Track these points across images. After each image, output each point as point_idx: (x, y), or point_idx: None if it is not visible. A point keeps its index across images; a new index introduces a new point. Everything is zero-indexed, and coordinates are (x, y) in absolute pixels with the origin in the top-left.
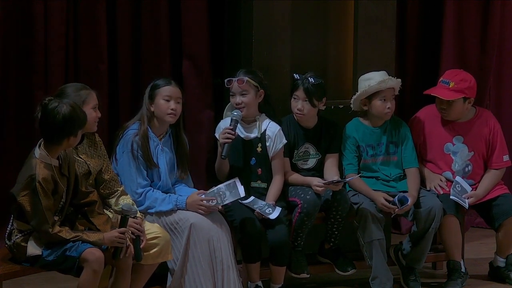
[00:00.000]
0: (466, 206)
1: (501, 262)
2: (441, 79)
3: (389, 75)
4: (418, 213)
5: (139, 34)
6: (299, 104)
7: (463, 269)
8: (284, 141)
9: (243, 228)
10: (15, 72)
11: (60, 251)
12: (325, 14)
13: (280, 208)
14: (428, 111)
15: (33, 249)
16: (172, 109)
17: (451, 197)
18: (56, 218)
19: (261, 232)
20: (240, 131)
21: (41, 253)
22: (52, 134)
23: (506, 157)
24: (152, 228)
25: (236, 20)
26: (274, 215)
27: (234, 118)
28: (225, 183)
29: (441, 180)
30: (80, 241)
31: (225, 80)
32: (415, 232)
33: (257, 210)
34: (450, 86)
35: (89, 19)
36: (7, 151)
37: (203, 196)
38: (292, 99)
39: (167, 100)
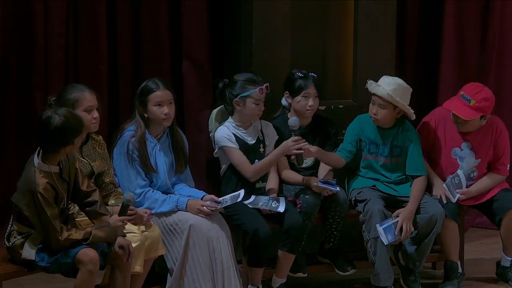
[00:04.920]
0: (453, 200)
1: (506, 261)
2: (461, 92)
3: (394, 83)
4: (420, 218)
5: (139, 34)
6: (311, 101)
7: (459, 270)
8: (276, 136)
9: (254, 233)
10: (15, 72)
11: (52, 258)
12: (325, 14)
13: (284, 198)
14: (439, 114)
15: (27, 252)
16: (165, 114)
17: (443, 185)
18: None
19: (271, 237)
20: (243, 138)
21: (34, 258)
22: (46, 144)
23: (508, 166)
24: (130, 238)
25: (236, 20)
26: (281, 207)
27: (295, 128)
28: (230, 195)
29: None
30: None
31: (258, 89)
32: (416, 236)
33: (263, 207)
34: (471, 104)
35: (89, 19)
36: (7, 151)
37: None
38: (302, 98)
39: (159, 105)
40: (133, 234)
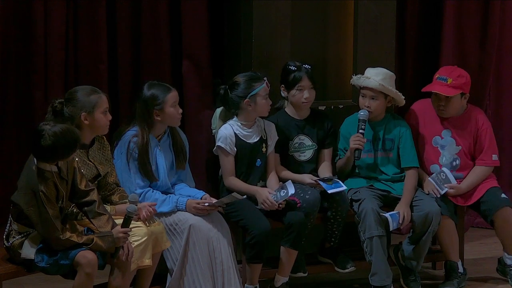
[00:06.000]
0: (442, 192)
1: (508, 259)
2: (437, 75)
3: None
4: (415, 216)
5: (139, 34)
6: (306, 94)
7: (460, 270)
8: (277, 137)
9: (253, 227)
10: (15, 72)
11: (52, 259)
12: (325, 14)
13: (289, 181)
14: (420, 105)
15: (27, 252)
16: (180, 113)
17: (429, 178)
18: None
19: (270, 231)
20: (245, 138)
21: (33, 258)
22: (39, 157)
23: (495, 156)
24: (137, 231)
25: (236, 20)
26: (291, 189)
27: (362, 118)
28: (227, 196)
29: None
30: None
31: (265, 83)
32: (413, 235)
33: (275, 201)
34: (448, 82)
35: (89, 19)
36: (6, 152)
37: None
38: (297, 91)
39: (174, 106)
40: (139, 227)
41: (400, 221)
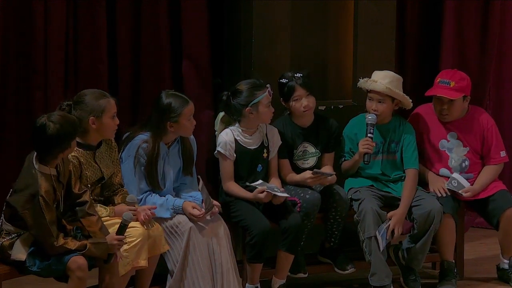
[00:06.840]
0: (463, 194)
1: (504, 263)
2: (438, 79)
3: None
4: (417, 215)
5: (139, 34)
6: (304, 102)
7: (455, 270)
8: (280, 142)
9: (253, 227)
10: (15, 72)
11: (44, 263)
12: (325, 14)
13: (285, 191)
14: (422, 110)
15: (17, 253)
16: (194, 125)
17: (446, 185)
18: None
19: (270, 230)
20: (245, 145)
21: (24, 260)
22: (43, 151)
23: (503, 153)
24: (132, 232)
25: (236, 20)
26: (282, 194)
27: (370, 122)
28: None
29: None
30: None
31: (267, 92)
32: (414, 234)
33: (266, 187)
34: (451, 85)
35: (89, 19)
36: (6, 152)
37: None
38: (294, 102)
39: (189, 119)
40: (135, 228)
41: (388, 237)
